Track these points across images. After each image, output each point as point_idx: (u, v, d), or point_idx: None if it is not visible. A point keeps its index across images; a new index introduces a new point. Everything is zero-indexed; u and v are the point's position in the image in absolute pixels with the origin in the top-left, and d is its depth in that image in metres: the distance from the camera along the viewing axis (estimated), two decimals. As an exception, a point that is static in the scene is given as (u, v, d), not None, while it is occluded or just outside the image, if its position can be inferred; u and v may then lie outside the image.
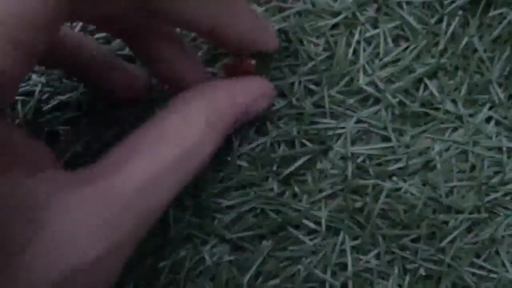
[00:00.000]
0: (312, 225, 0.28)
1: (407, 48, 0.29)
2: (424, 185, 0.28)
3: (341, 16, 0.29)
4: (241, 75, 0.24)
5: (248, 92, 0.23)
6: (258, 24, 0.24)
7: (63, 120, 0.29)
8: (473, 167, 0.28)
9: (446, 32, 0.29)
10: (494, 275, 0.28)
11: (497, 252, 0.28)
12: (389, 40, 0.29)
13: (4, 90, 0.14)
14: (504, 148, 0.28)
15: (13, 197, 0.16)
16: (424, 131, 0.29)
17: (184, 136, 0.20)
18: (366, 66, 0.29)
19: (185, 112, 0.21)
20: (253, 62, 0.24)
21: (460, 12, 0.30)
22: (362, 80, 0.29)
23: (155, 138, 0.20)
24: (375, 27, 0.29)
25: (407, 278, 0.28)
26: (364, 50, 0.29)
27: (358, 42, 0.29)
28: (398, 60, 0.29)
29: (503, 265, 0.28)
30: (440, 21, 0.30)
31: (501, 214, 0.28)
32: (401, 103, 0.29)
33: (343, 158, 0.28)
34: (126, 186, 0.18)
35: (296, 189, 0.28)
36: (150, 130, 0.20)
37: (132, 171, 0.18)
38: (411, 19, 0.29)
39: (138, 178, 0.18)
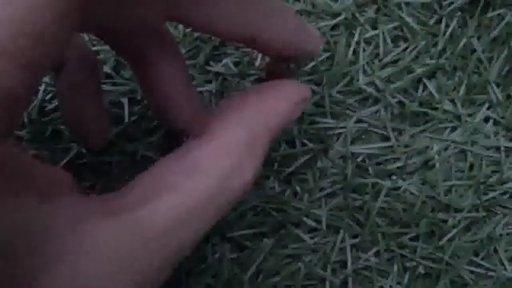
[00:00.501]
0: (312, 224, 0.28)
1: (406, 48, 0.29)
2: (423, 184, 0.29)
3: (341, 17, 0.30)
4: (278, 78, 0.23)
5: (288, 102, 0.21)
6: (301, 28, 0.22)
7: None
8: (471, 166, 0.29)
9: (444, 33, 0.30)
10: (492, 273, 0.28)
11: (495, 251, 0.29)
12: (389, 40, 0.29)
13: (14, 112, 0.13)
14: (502, 148, 0.29)
15: (21, 224, 0.15)
16: (423, 131, 0.29)
17: (220, 166, 0.18)
18: (366, 67, 0.29)
19: (220, 139, 0.19)
20: (292, 66, 0.23)
21: (459, 13, 0.30)
22: (361, 80, 0.29)
23: (187, 168, 0.18)
24: (374, 28, 0.30)
25: (406, 276, 0.28)
26: (364, 51, 0.29)
27: (358, 43, 0.29)
28: (397, 60, 0.29)
29: (501, 263, 0.28)
30: (439, 22, 0.30)
31: (499, 212, 0.29)
32: (400, 103, 0.29)
33: (343, 157, 0.29)
34: (156, 222, 0.16)
35: (297, 187, 0.28)
36: (181, 159, 0.18)
37: (163, 204, 0.17)
38: (410, 20, 0.30)
39: (169, 212, 0.17)
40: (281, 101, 0.21)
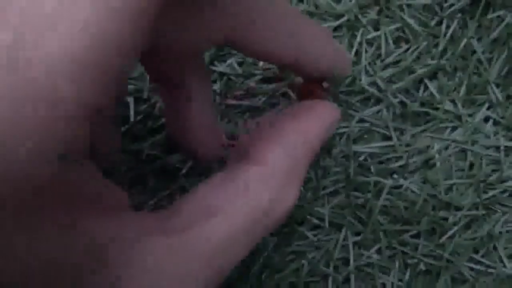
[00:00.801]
0: (315, 221, 0.29)
1: (407, 49, 0.30)
2: (424, 182, 0.29)
3: (344, 18, 0.30)
4: (312, 98, 0.23)
5: (324, 125, 0.21)
6: (337, 51, 0.23)
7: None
8: (471, 165, 0.29)
9: (445, 34, 0.30)
10: (492, 270, 0.29)
11: (495, 248, 0.29)
12: (390, 41, 0.30)
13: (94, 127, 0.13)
14: (502, 147, 0.29)
15: (91, 243, 0.15)
16: (424, 130, 0.29)
17: (266, 191, 0.18)
18: (368, 67, 0.30)
19: (266, 164, 0.19)
20: (325, 85, 0.24)
21: (459, 15, 0.31)
22: (364, 80, 0.29)
23: (234, 192, 0.18)
24: (376, 29, 0.30)
25: (408, 273, 0.29)
26: (366, 52, 0.30)
27: (360, 44, 0.30)
28: (399, 61, 0.30)
29: (501, 260, 0.29)
30: (440, 23, 0.30)
31: (499, 211, 0.29)
32: (402, 103, 0.30)
33: (346, 156, 0.29)
34: (204, 243, 0.17)
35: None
36: (228, 183, 0.19)
37: (210, 228, 0.17)
38: (411, 22, 0.30)
39: (216, 236, 0.17)
40: (318, 124, 0.21)
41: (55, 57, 0.11)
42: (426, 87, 0.30)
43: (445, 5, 0.31)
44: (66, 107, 0.11)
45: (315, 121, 0.21)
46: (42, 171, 0.12)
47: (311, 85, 0.24)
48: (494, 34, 0.30)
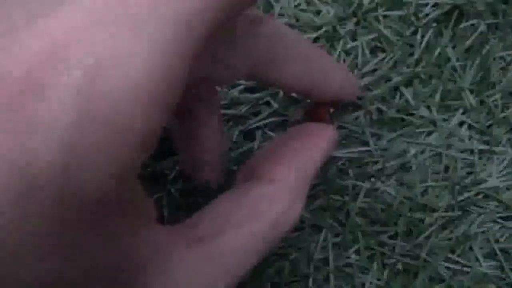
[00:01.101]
0: (297, 223, 0.30)
1: (384, 58, 0.31)
2: (400, 185, 0.30)
3: (323, 30, 0.32)
4: (318, 120, 0.26)
5: (327, 145, 0.23)
6: (347, 77, 0.25)
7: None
8: (446, 168, 0.31)
9: (420, 43, 0.31)
10: (468, 269, 0.30)
11: (470, 248, 0.30)
12: (367, 51, 0.31)
13: (147, 152, 0.14)
14: (476, 150, 0.31)
15: (127, 248, 0.16)
16: (400, 135, 0.31)
17: (276, 208, 0.20)
18: (346, 76, 0.31)
19: (277, 182, 0.21)
20: (332, 110, 0.26)
21: (435, 24, 0.32)
22: (342, 88, 0.31)
23: (248, 208, 0.20)
24: (354, 39, 0.32)
25: (386, 272, 0.30)
26: (344, 61, 0.31)
27: (339, 54, 0.31)
28: (375, 70, 0.31)
29: (477, 259, 0.30)
30: (415, 33, 0.32)
31: (474, 212, 0.30)
32: (379, 109, 0.31)
33: (325, 161, 0.30)
34: (222, 255, 0.19)
35: (282, 190, 0.30)
36: (243, 198, 0.20)
37: (226, 242, 0.19)
38: (387, 32, 0.31)
39: (235, 246, 0.19)
40: (322, 145, 0.23)
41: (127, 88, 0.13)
42: (402, 94, 0.31)
43: (421, 15, 0.32)
44: (136, 133, 0.13)
45: (319, 142, 0.23)
46: (113, 188, 0.14)
47: (319, 109, 0.26)
48: (468, 42, 0.32)
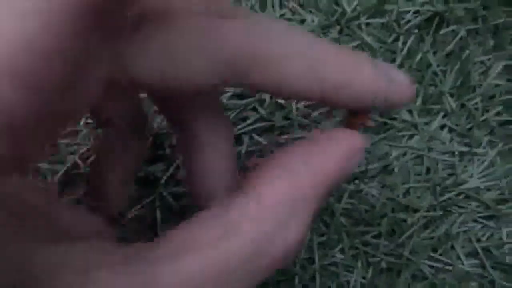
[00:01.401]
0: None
1: (366, 64, 0.33)
2: (383, 186, 0.31)
3: (308, 38, 0.33)
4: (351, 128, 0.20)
5: (338, 158, 0.18)
6: (374, 77, 0.18)
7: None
8: (428, 170, 0.32)
9: (402, 50, 0.33)
10: (450, 267, 0.31)
11: (452, 247, 0.31)
12: (350, 58, 0.33)
13: (18, 139, 0.12)
14: (456, 152, 0.32)
15: (28, 267, 0.14)
16: (383, 139, 0.32)
17: (261, 228, 0.16)
18: (330, 82, 0.32)
19: (263, 197, 0.17)
20: (371, 122, 0.20)
21: (416, 30, 0.33)
22: (326, 94, 0.32)
23: (225, 227, 0.16)
24: (338, 46, 0.33)
25: (370, 271, 0.31)
26: (329, 68, 0.33)
27: (323, 61, 0.33)
28: (358, 75, 0.32)
29: (458, 258, 0.31)
30: (397, 39, 0.33)
31: (455, 212, 0.31)
32: (362, 114, 0.32)
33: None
34: (175, 280, 0.15)
35: (269, 192, 0.32)
36: (222, 216, 0.17)
37: (189, 263, 0.16)
38: (369, 39, 0.33)
39: (193, 273, 0.16)
40: (330, 157, 0.18)
41: None
42: (385, 99, 0.32)
43: (402, 22, 0.33)
44: None
45: (325, 155, 0.18)
46: None
47: (354, 118, 0.20)
48: (449, 48, 0.33)
